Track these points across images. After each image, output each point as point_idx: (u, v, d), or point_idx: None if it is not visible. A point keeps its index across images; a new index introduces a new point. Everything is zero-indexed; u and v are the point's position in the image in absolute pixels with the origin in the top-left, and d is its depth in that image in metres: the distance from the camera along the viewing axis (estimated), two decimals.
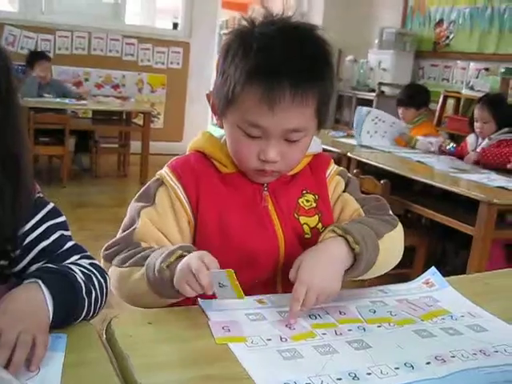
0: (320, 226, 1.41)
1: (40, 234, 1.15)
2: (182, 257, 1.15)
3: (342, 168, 1.54)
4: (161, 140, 6.84)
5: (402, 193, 3.67)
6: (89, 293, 1.08)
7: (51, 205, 1.20)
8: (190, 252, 1.16)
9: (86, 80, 7.42)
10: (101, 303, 1.13)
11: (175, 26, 8.08)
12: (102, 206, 5.07)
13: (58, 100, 6.02)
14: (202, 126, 8.14)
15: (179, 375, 0.94)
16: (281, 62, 1.21)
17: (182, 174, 1.37)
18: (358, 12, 7.14)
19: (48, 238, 1.16)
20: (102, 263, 1.27)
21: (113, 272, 1.25)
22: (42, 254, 1.14)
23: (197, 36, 7.90)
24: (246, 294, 1.13)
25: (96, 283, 1.12)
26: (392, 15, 7.14)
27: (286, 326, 1.13)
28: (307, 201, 1.42)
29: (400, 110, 5.00)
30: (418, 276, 1.44)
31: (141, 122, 6.32)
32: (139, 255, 1.24)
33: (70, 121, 5.79)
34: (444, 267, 1.37)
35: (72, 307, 1.05)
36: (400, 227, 1.43)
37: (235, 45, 1.26)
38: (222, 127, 1.37)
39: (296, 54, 1.22)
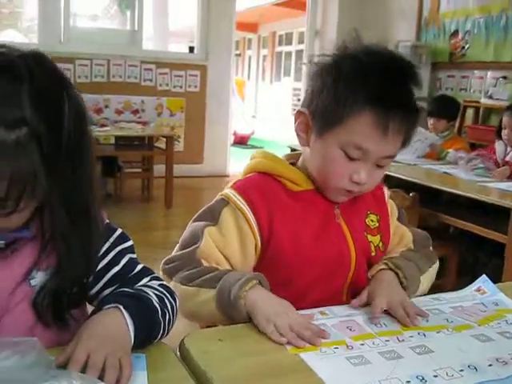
0: (381, 244, 1.51)
1: (111, 259, 1.19)
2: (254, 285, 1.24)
3: (389, 192, 1.63)
4: (182, 163, 6.90)
5: (430, 205, 3.69)
6: (163, 315, 1.12)
7: (119, 230, 1.24)
8: (261, 282, 1.26)
9: (106, 107, 7.51)
10: (172, 323, 1.17)
11: (191, 49, 8.18)
12: (128, 230, 5.07)
13: None
14: (222, 148, 8.23)
15: None
16: (397, 92, 1.31)
17: (251, 195, 1.41)
18: (372, 26, 7.20)
19: (118, 263, 1.19)
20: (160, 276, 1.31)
21: (175, 288, 1.28)
22: (114, 278, 1.18)
23: (213, 58, 7.98)
24: (313, 307, 1.25)
25: (168, 304, 1.16)
26: (406, 28, 7.20)
27: (347, 327, 1.22)
28: (372, 220, 1.51)
29: (431, 121, 4.92)
30: (453, 286, 1.51)
31: (162, 146, 6.40)
32: (206, 276, 1.29)
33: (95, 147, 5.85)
34: (476, 276, 1.42)
35: (150, 329, 1.10)
36: (437, 263, 1.58)
37: (348, 68, 1.33)
38: (306, 145, 1.44)
39: (406, 85, 1.34)
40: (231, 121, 8.57)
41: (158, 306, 1.12)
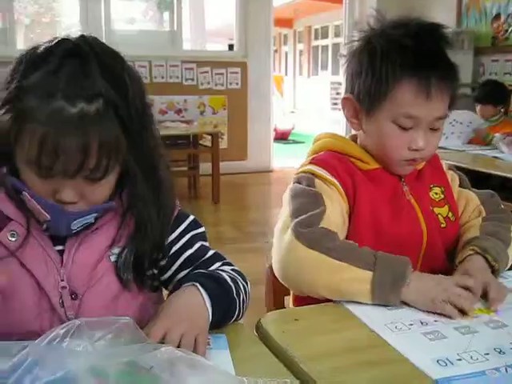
0: (450, 214, 1.53)
1: (184, 243, 1.24)
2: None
3: (447, 162, 1.64)
4: (226, 160, 6.95)
5: (481, 189, 3.66)
6: (238, 294, 1.17)
7: (192, 217, 1.30)
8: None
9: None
10: (246, 305, 1.21)
11: (231, 47, 8.22)
12: None
13: None
14: (266, 144, 8.26)
15: (341, 362, 1.02)
16: (433, 57, 1.37)
17: (334, 166, 1.45)
18: (411, 15, 7.14)
19: (192, 246, 1.25)
20: (290, 239, 1.30)
21: (312, 256, 1.26)
22: (188, 261, 1.23)
23: (253, 55, 8.01)
24: None
25: (241, 286, 1.20)
26: (447, 14, 7.11)
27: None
28: (436, 193, 1.54)
29: (478, 107, 4.93)
30: None
31: (206, 144, 6.45)
32: (356, 255, 1.27)
33: None
34: None
35: (227, 307, 1.14)
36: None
37: (380, 46, 1.39)
38: (360, 129, 1.49)
39: (437, 46, 1.39)
40: (273, 116, 8.59)
41: (232, 284, 1.16)
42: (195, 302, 1.08)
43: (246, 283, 1.23)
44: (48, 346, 0.78)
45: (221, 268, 1.23)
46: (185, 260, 1.23)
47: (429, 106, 1.37)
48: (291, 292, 1.56)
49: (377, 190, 1.46)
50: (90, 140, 1.00)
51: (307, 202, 1.37)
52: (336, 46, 16.37)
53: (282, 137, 12.23)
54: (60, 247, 1.14)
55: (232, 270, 1.23)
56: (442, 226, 1.51)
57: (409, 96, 1.36)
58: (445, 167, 1.61)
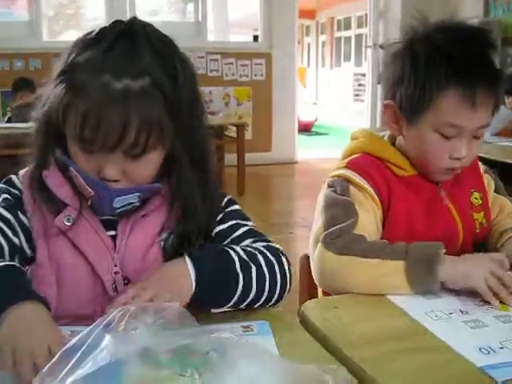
0: (484, 221, 1.53)
1: (220, 219, 1.25)
2: None
3: (484, 166, 1.63)
4: (251, 151, 6.96)
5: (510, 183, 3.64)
6: (246, 268, 1.15)
7: (229, 196, 1.32)
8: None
9: None
10: (273, 280, 1.18)
11: (255, 38, 8.23)
12: None
13: None
14: (290, 135, 8.26)
15: (385, 349, 1.03)
16: (479, 66, 1.34)
17: (369, 172, 1.44)
18: (437, 5, 7.08)
19: (225, 223, 1.25)
20: (320, 250, 1.32)
21: (347, 262, 1.27)
22: (217, 236, 1.24)
23: (277, 46, 8.01)
24: None
25: (261, 260, 1.18)
26: (473, 5, 7.06)
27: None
28: (476, 198, 1.53)
29: (509, 100, 4.87)
30: None
31: (231, 135, 6.47)
32: (386, 249, 1.28)
33: None
34: None
35: (220, 280, 1.13)
36: None
37: (423, 52, 1.36)
38: (400, 135, 1.47)
39: (484, 52, 1.36)
40: (297, 107, 8.59)
41: (236, 258, 1.15)
42: (178, 270, 1.11)
43: (278, 258, 1.21)
44: (105, 330, 0.80)
45: (250, 244, 1.23)
46: (215, 235, 1.24)
47: (473, 116, 1.34)
48: None
49: (412, 196, 1.46)
50: (130, 115, 1.03)
51: (339, 212, 1.38)
52: (359, 37, 16.23)
53: (305, 128, 12.20)
54: (112, 232, 1.17)
55: (265, 246, 1.23)
56: (477, 231, 1.51)
57: (453, 106, 1.34)
58: (481, 170, 1.60)
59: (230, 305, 1.15)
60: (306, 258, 1.63)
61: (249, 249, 1.19)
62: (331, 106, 16.46)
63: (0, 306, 0.94)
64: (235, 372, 0.77)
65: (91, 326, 0.81)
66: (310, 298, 1.56)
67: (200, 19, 7.91)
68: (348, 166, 1.47)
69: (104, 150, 1.06)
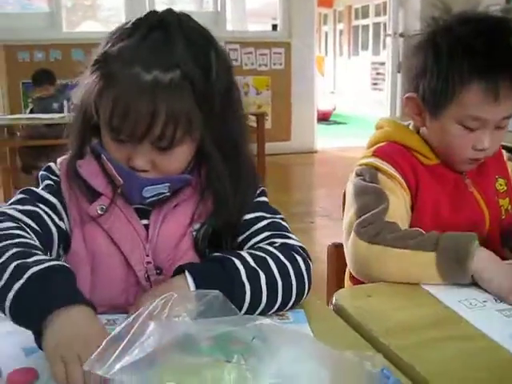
0: (510, 207, 1.54)
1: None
2: None
3: (508, 153, 1.63)
4: (270, 141, 6.95)
5: None
6: (254, 277, 1.08)
7: (262, 186, 1.29)
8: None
9: None
10: (288, 285, 1.11)
11: (274, 27, 8.21)
12: None
13: None
14: (309, 124, 8.25)
15: (421, 337, 1.04)
16: (503, 59, 1.33)
17: (397, 160, 1.45)
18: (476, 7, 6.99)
19: (251, 213, 1.22)
20: (352, 239, 1.33)
21: (380, 252, 1.28)
22: (242, 227, 1.21)
23: (296, 35, 7.99)
24: None
25: (273, 266, 1.10)
26: None
27: None
28: (500, 184, 1.54)
29: None
30: None
31: (250, 125, 6.46)
32: (418, 239, 1.28)
33: None
34: None
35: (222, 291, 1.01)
36: None
37: (446, 45, 1.36)
38: (423, 126, 1.48)
39: (507, 44, 1.34)
40: (317, 96, 8.57)
41: (242, 269, 1.08)
42: (178, 285, 1.04)
43: (293, 259, 1.14)
44: (149, 317, 0.81)
45: (264, 247, 1.16)
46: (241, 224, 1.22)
47: (497, 108, 1.34)
48: (347, 269, 1.55)
49: (438, 183, 1.46)
50: (158, 107, 1.03)
51: (370, 199, 1.38)
52: (377, 26, 16.12)
53: (324, 117, 12.15)
54: (145, 221, 1.18)
55: (280, 245, 1.16)
56: (503, 217, 1.52)
57: (476, 99, 1.33)
58: (505, 157, 1.60)
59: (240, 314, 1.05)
60: (334, 246, 1.65)
61: (259, 253, 1.12)
62: (349, 95, 16.39)
63: (46, 307, 0.88)
64: (278, 357, 0.78)
65: (134, 314, 0.82)
66: (338, 287, 1.58)
67: (219, 9, 7.90)
68: (375, 155, 1.47)
69: (132, 140, 1.08)
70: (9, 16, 7.39)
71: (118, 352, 0.75)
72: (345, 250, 1.40)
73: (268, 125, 7.71)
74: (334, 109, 13.17)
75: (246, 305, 1.06)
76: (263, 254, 1.12)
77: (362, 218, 1.34)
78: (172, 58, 1.06)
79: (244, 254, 1.12)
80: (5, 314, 0.93)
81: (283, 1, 8.00)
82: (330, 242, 1.69)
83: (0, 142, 5.59)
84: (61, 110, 6.24)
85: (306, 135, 8.23)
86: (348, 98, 15.84)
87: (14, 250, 0.97)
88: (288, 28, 8.01)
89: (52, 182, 1.19)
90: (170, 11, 1.13)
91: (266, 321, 0.82)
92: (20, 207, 1.12)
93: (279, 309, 1.12)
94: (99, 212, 1.15)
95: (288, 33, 8.02)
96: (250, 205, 1.23)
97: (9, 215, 1.09)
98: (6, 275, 0.93)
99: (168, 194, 1.16)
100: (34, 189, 1.18)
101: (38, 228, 1.11)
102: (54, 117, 5.99)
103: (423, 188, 1.44)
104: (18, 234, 1.04)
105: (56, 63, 7.07)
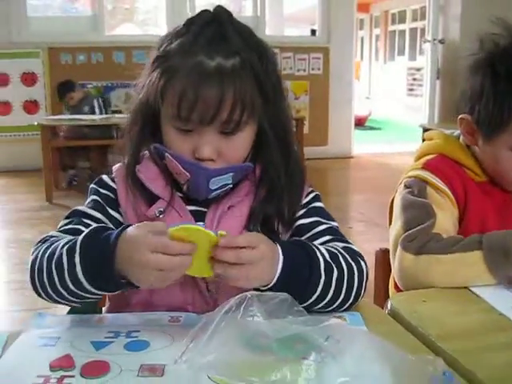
0: None
1: (303, 213, 1.28)
2: None
3: None
4: (307, 145, 6.97)
5: None
6: (328, 271, 1.12)
7: (316, 192, 1.34)
8: None
9: None
10: (350, 285, 1.15)
11: (313, 32, 8.24)
12: None
13: None
14: (346, 129, 8.27)
15: (478, 343, 1.06)
16: None
17: (447, 177, 1.46)
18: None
19: (307, 218, 1.27)
20: (399, 253, 1.35)
21: (427, 262, 1.30)
22: (298, 230, 1.26)
23: (335, 40, 8.01)
24: None
25: (343, 263, 1.15)
26: None
27: None
28: None
29: None
30: None
31: None
32: (462, 243, 1.30)
33: None
34: None
35: (301, 279, 1.10)
36: None
37: (504, 68, 1.36)
38: (475, 145, 1.48)
39: None
40: (354, 102, 8.59)
41: (321, 259, 1.12)
42: (272, 253, 1.07)
43: (357, 262, 1.18)
44: (225, 317, 0.85)
45: (328, 243, 1.22)
46: (296, 228, 1.26)
47: None
48: (391, 277, 1.57)
49: (486, 200, 1.47)
50: (224, 91, 1.09)
51: (418, 214, 1.39)
52: (413, 31, 16.08)
53: (359, 123, 12.13)
54: (200, 223, 1.20)
55: (343, 247, 1.21)
56: None
57: None
58: None
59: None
60: (382, 251, 1.67)
61: (331, 249, 1.17)
62: (384, 101, 16.34)
63: (108, 242, 1.01)
64: (347, 356, 0.82)
65: (213, 312, 0.86)
66: (385, 291, 1.60)
67: (258, 13, 7.96)
68: (425, 167, 1.48)
69: (200, 126, 1.12)
70: (53, 19, 7.56)
71: (202, 345, 0.80)
72: (391, 261, 1.42)
73: (305, 129, 7.74)
74: (370, 114, 13.14)
75: (315, 296, 1.10)
76: (335, 251, 1.17)
77: (408, 232, 1.36)
78: (231, 46, 1.13)
79: (319, 246, 1.16)
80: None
81: (322, 6, 8.02)
82: (370, 247, 1.70)
83: (44, 142, 5.69)
84: (92, 112, 6.41)
85: (343, 140, 8.26)
86: (383, 104, 15.79)
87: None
88: (327, 33, 8.04)
89: (99, 198, 1.25)
90: (221, 7, 1.19)
91: (335, 321, 0.86)
92: (67, 227, 1.20)
93: (334, 309, 1.15)
94: (157, 215, 1.18)
95: (327, 38, 8.04)
96: (299, 197, 1.27)
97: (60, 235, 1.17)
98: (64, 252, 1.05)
99: (231, 185, 1.20)
100: (80, 208, 1.24)
101: None
102: (96, 118, 6.09)
103: (472, 204, 1.45)
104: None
105: (98, 65, 7.21)
